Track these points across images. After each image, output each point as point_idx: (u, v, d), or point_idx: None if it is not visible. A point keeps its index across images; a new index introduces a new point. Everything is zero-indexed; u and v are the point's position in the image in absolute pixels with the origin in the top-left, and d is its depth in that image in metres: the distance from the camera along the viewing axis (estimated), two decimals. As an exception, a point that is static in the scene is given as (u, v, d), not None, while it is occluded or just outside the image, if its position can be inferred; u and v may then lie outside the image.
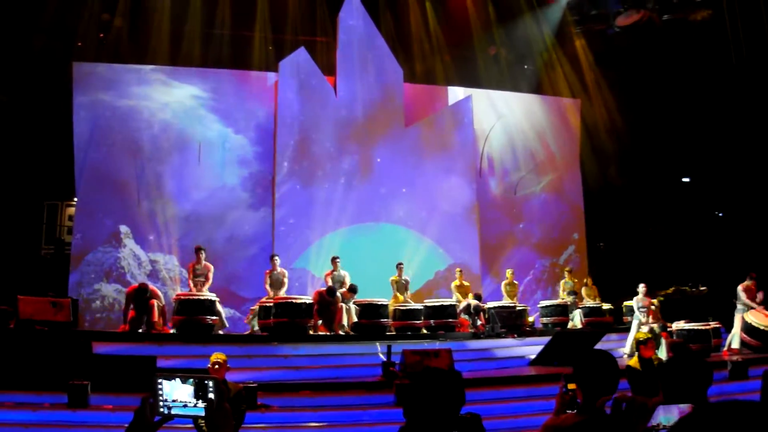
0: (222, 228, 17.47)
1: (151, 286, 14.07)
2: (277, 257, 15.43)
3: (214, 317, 13.63)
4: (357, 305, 14.65)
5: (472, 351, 14.00)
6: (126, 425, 3.00)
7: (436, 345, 12.95)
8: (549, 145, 20.81)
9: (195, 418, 3.07)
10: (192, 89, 17.88)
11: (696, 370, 3.55)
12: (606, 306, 17.36)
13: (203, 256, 14.72)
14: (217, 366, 7.42)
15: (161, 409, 2.96)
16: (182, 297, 13.78)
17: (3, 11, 17.05)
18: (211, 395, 2.96)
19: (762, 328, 14.37)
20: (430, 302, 15.83)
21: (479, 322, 15.85)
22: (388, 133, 18.72)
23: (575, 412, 3.41)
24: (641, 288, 14.97)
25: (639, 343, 9.25)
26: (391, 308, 15.10)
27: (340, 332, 14.16)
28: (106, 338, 12.64)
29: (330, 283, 15.01)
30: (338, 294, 14.43)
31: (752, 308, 14.62)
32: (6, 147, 17.98)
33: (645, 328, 14.00)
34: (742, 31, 18.34)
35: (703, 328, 14.50)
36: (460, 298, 16.58)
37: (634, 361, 9.05)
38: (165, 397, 2.96)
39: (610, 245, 22.24)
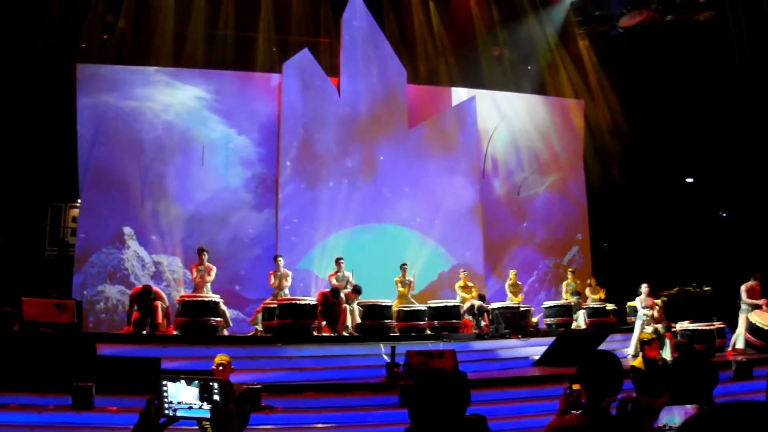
0: (225, 229, 17.47)
1: (155, 287, 14.09)
2: (280, 258, 15.42)
3: (218, 318, 13.65)
4: (360, 306, 14.65)
5: (476, 352, 13.99)
6: (131, 427, 3.00)
7: (440, 346, 12.93)
8: (552, 146, 20.79)
9: (200, 420, 3.07)
10: (195, 90, 17.90)
11: (701, 370, 3.54)
12: (610, 306, 17.35)
13: (206, 257, 14.73)
14: (221, 367, 7.41)
15: (166, 411, 2.96)
16: (186, 298, 13.79)
17: (7, 13, 17.07)
18: (216, 397, 2.96)
19: (766, 328, 14.35)
20: (434, 303, 15.82)
21: (483, 323, 15.85)
22: (391, 134, 18.71)
23: (579, 412, 3.41)
24: (644, 288, 14.94)
25: (643, 344, 9.23)
26: (394, 309, 15.10)
27: (344, 333, 14.16)
28: (110, 340, 12.63)
29: (335, 282, 15.04)
30: (342, 295, 14.43)
31: (757, 307, 14.59)
32: (10, 149, 18.00)
33: (649, 329, 13.98)
34: (745, 31, 18.31)
35: (707, 328, 14.47)
36: (466, 296, 16.58)
37: (638, 362, 9.03)
38: (170, 399, 2.96)
39: (614, 246, 22.21)
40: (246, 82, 18.50)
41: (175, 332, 13.68)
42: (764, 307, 14.63)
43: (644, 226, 22.03)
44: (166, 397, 2.96)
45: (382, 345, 12.64)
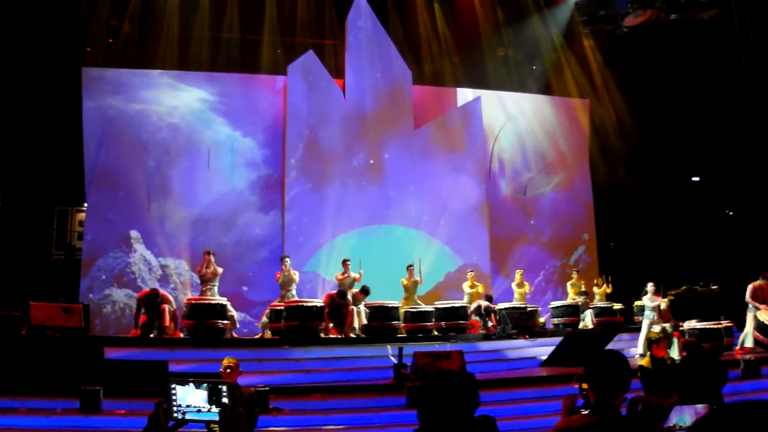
0: (232, 231, 17.48)
1: (162, 290, 14.11)
2: (287, 258, 15.43)
3: (225, 321, 13.66)
4: (367, 308, 14.65)
5: (484, 352, 13.98)
6: (139, 430, 3.00)
7: (448, 347, 12.92)
8: (559, 145, 20.77)
9: (208, 423, 3.07)
10: (200, 93, 17.92)
11: (710, 369, 3.53)
12: (617, 306, 17.33)
13: (212, 259, 14.74)
14: (229, 370, 7.41)
15: (175, 415, 2.96)
16: (193, 301, 13.82)
17: (13, 17, 17.12)
18: (224, 400, 2.96)
19: (775, 327, 14.32)
20: (441, 304, 15.81)
21: (490, 324, 15.83)
22: (397, 135, 18.70)
23: (587, 412, 3.40)
24: (650, 287, 14.92)
25: (651, 343, 9.20)
26: (402, 310, 15.10)
27: (351, 335, 14.16)
28: (117, 343, 12.67)
29: (342, 279, 15.07)
30: (349, 297, 14.44)
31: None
32: (17, 153, 18.06)
33: (657, 328, 13.95)
34: (751, 29, 18.27)
35: (715, 327, 14.45)
36: (477, 292, 16.59)
37: (646, 361, 9.00)
38: (179, 403, 2.96)
39: (621, 245, 22.18)
40: (251, 85, 18.52)
41: (182, 335, 13.70)
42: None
43: (651, 226, 21.99)
44: (175, 400, 2.96)
45: (389, 346, 12.65)
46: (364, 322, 14.47)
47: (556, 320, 16.82)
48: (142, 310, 13.51)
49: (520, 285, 17.40)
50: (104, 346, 11.61)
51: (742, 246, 19.55)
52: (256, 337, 15.07)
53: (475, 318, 16.04)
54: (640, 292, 15.42)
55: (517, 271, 17.74)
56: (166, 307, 13.47)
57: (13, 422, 9.08)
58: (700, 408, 3.06)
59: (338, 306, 14.20)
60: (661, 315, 14.77)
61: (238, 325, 14.66)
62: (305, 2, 19.36)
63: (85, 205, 17.53)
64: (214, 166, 17.72)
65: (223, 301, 13.90)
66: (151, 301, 13.39)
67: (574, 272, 18.36)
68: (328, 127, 18.23)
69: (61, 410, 9.43)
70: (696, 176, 22.91)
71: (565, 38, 21.44)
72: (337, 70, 18.85)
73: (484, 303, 16.18)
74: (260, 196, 17.91)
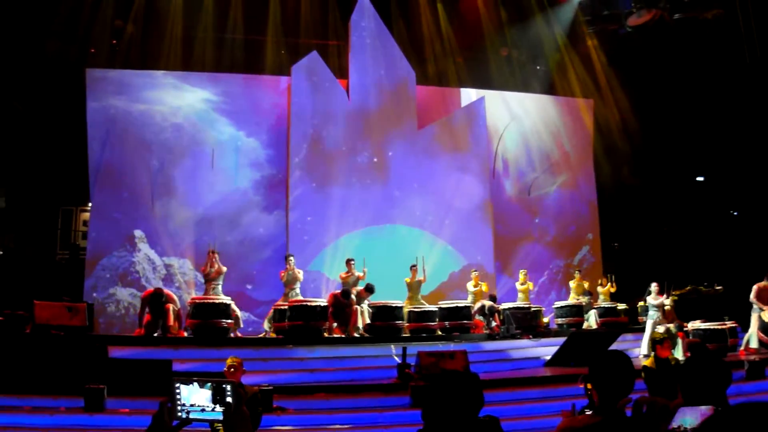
0: (236, 231, 17.50)
1: (167, 290, 14.13)
2: (291, 257, 15.43)
3: (229, 320, 13.69)
4: (371, 307, 14.65)
5: (487, 352, 13.97)
6: (143, 429, 3.00)
7: (451, 346, 12.91)
8: (563, 145, 20.75)
9: (212, 422, 3.07)
10: (203, 93, 17.93)
11: (714, 370, 3.52)
12: (621, 306, 17.32)
13: (216, 258, 14.76)
14: (232, 369, 7.42)
15: (179, 414, 2.96)
16: (197, 301, 13.84)
17: (17, 18, 17.14)
18: (228, 399, 2.97)
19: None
20: (445, 304, 15.80)
21: (494, 324, 15.82)
22: (401, 136, 18.70)
23: (591, 413, 3.40)
24: (653, 287, 14.89)
25: (655, 343, 9.17)
26: (405, 310, 15.08)
27: (355, 334, 14.17)
28: (121, 342, 12.70)
29: (346, 278, 15.06)
30: (353, 296, 14.44)
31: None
32: (21, 154, 18.10)
33: (661, 328, 13.92)
34: (755, 29, 18.23)
35: (719, 327, 14.41)
36: (480, 291, 16.58)
37: (650, 362, 8.97)
38: (183, 402, 2.96)
39: (625, 245, 22.15)
40: (254, 85, 18.54)
41: (186, 334, 13.71)
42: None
43: (655, 226, 21.97)
44: (179, 399, 2.96)
45: (393, 346, 12.64)
46: (368, 321, 14.48)
47: (559, 320, 16.82)
48: (147, 309, 13.53)
49: (524, 285, 17.37)
50: (108, 345, 11.61)
51: (746, 246, 19.51)
52: (260, 336, 15.08)
53: (479, 318, 16.03)
54: (644, 293, 15.40)
55: (521, 271, 17.72)
56: (171, 306, 13.49)
57: (18, 420, 9.10)
58: (705, 409, 3.06)
59: (342, 305, 14.21)
60: (666, 315, 14.75)
61: (242, 325, 14.68)
62: (309, 3, 19.36)
63: (90, 204, 17.56)
64: (217, 166, 17.74)
65: (227, 300, 13.92)
66: (156, 301, 13.41)
67: (576, 272, 18.32)
68: (332, 127, 18.24)
69: (65, 409, 9.45)
70: (700, 176, 22.88)
71: (568, 38, 21.42)
72: (341, 71, 18.85)
73: (487, 303, 16.19)
74: (264, 195, 17.92)
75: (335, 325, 14.24)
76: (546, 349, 14.14)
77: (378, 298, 14.88)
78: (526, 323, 15.53)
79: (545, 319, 16.93)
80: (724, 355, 13.57)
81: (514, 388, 11.11)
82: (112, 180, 17.03)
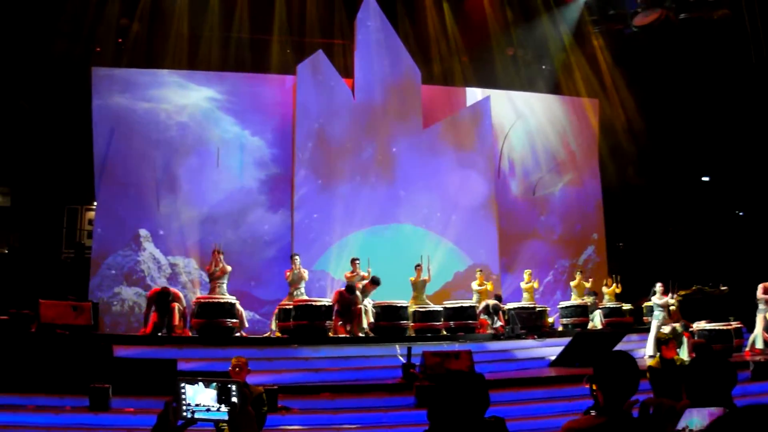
0: (240, 229, 17.50)
1: (173, 289, 14.14)
2: (297, 256, 15.43)
3: (234, 320, 13.70)
4: (376, 307, 14.64)
5: (492, 352, 13.96)
6: (148, 428, 3.00)
7: (456, 346, 12.90)
8: (568, 145, 20.74)
9: (217, 422, 3.07)
10: (208, 92, 17.94)
11: (720, 370, 3.51)
12: (626, 306, 17.30)
13: (221, 257, 14.76)
14: (237, 369, 7.42)
15: (184, 413, 2.96)
16: (202, 300, 13.86)
17: (23, 17, 17.18)
18: (234, 399, 2.96)
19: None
20: (450, 303, 15.79)
21: (499, 324, 15.81)
22: (406, 135, 18.68)
23: (596, 413, 3.39)
24: (658, 287, 14.87)
25: (660, 344, 9.18)
26: (410, 310, 15.07)
27: (360, 334, 14.16)
28: (126, 341, 12.71)
29: (351, 278, 15.08)
30: (358, 293, 14.44)
31: None
32: (27, 152, 18.12)
33: (666, 328, 13.91)
34: (761, 29, 18.19)
35: (724, 328, 14.39)
36: (486, 290, 16.56)
37: (655, 362, 8.97)
38: (188, 401, 2.96)
39: (630, 245, 22.12)
40: (259, 84, 18.54)
41: (191, 334, 13.72)
42: None
43: (660, 226, 21.93)
44: (184, 399, 2.96)
45: (397, 346, 12.63)
46: (372, 320, 14.48)
47: (565, 320, 16.81)
48: (152, 308, 13.55)
49: (529, 284, 17.34)
50: (113, 344, 11.65)
51: (751, 247, 19.47)
52: (266, 335, 15.08)
53: (483, 317, 16.02)
54: (649, 293, 15.38)
55: (526, 271, 17.68)
56: (176, 305, 13.50)
57: (23, 419, 9.13)
58: (711, 410, 3.05)
59: (348, 302, 14.21)
60: (671, 315, 14.73)
61: (247, 324, 14.68)
62: (315, 2, 19.37)
63: (95, 203, 17.58)
64: (223, 164, 17.73)
65: (232, 299, 13.93)
66: (162, 300, 13.43)
67: (578, 273, 18.26)
68: (338, 126, 18.23)
69: (70, 408, 9.48)
70: (706, 176, 22.84)
71: (574, 38, 21.39)
72: (347, 70, 18.85)
73: (492, 302, 16.18)
74: (269, 194, 17.92)
75: (339, 323, 14.22)
76: (551, 349, 14.14)
77: (383, 298, 14.87)
78: (531, 323, 15.53)
79: (550, 319, 16.92)
80: (730, 355, 13.56)
81: (519, 388, 11.11)
82: (117, 179, 17.05)
